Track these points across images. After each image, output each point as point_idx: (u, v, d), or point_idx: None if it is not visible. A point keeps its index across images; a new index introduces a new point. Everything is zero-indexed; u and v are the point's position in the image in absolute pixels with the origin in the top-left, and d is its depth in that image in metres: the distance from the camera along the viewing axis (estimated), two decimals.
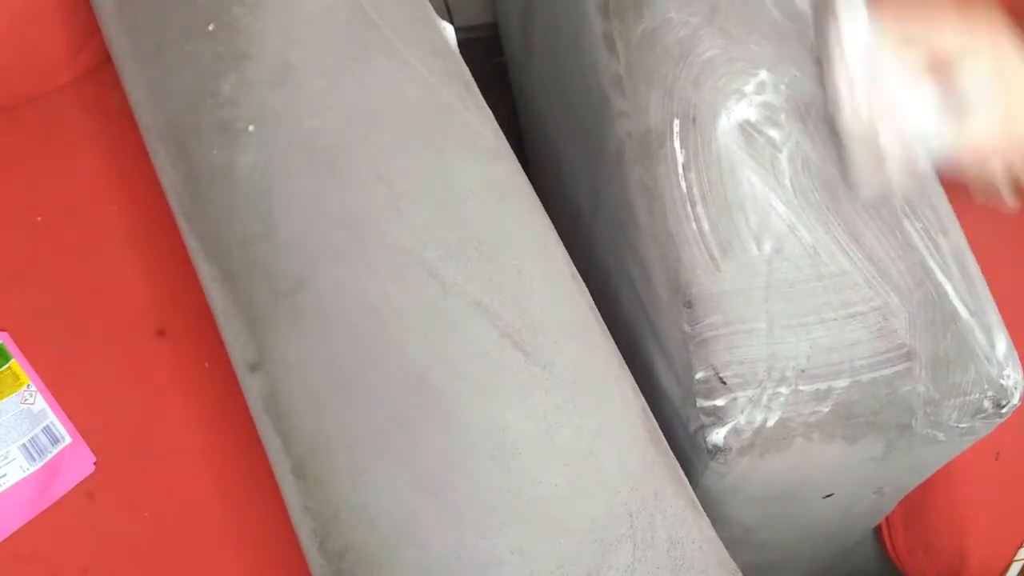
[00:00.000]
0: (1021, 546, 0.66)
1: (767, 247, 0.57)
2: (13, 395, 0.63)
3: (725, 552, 0.53)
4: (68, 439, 0.63)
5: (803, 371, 0.55)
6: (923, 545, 0.67)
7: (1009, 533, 0.66)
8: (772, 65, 0.59)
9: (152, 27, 0.61)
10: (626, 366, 0.55)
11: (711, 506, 0.57)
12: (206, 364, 0.66)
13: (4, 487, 0.61)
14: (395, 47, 0.57)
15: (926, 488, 0.70)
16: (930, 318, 0.57)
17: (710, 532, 0.52)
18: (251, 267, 0.54)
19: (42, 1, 0.72)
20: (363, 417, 0.49)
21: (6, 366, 0.64)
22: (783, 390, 0.55)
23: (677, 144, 0.60)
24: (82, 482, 0.62)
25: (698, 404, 0.58)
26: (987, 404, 0.58)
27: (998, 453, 0.70)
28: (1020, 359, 0.59)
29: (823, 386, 0.55)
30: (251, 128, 0.54)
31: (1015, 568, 0.67)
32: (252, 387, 0.54)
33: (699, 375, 0.57)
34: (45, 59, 0.74)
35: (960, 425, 0.59)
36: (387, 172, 0.53)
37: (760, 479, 0.59)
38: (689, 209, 0.58)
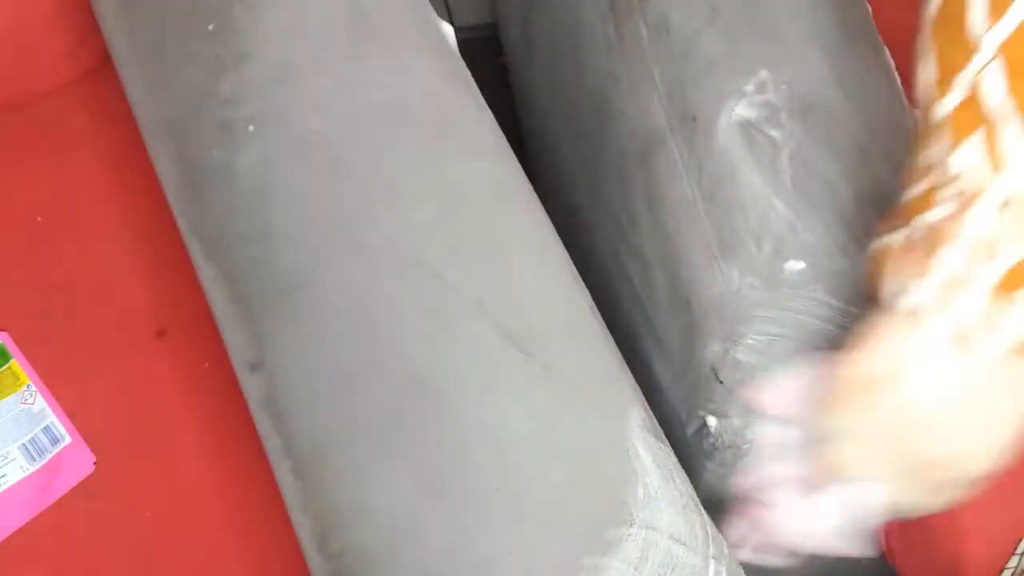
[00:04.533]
0: (1014, 552, 0.67)
1: (767, 247, 0.57)
2: (13, 395, 0.63)
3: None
4: (68, 439, 0.63)
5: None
6: (920, 548, 0.67)
7: (1004, 538, 0.66)
8: (772, 65, 0.59)
9: (152, 27, 0.61)
10: (626, 366, 0.55)
11: (711, 506, 0.57)
12: (206, 364, 0.66)
13: (4, 487, 0.61)
14: (395, 47, 0.57)
15: None
16: None
17: (712, 532, 0.52)
18: (251, 267, 0.54)
19: (42, 1, 0.72)
20: (363, 417, 0.49)
21: (6, 366, 0.64)
22: None
23: (677, 144, 0.60)
24: (82, 482, 0.62)
25: (697, 404, 0.58)
26: None
27: None
28: None
29: None
30: (251, 128, 0.54)
31: (1007, 574, 0.67)
32: (252, 387, 0.54)
33: (698, 375, 0.57)
34: (45, 59, 0.74)
35: None
36: (387, 172, 0.53)
37: None
38: (689, 209, 0.58)
